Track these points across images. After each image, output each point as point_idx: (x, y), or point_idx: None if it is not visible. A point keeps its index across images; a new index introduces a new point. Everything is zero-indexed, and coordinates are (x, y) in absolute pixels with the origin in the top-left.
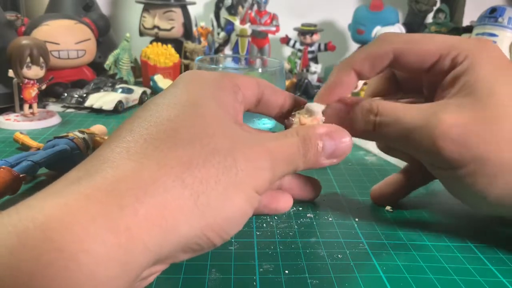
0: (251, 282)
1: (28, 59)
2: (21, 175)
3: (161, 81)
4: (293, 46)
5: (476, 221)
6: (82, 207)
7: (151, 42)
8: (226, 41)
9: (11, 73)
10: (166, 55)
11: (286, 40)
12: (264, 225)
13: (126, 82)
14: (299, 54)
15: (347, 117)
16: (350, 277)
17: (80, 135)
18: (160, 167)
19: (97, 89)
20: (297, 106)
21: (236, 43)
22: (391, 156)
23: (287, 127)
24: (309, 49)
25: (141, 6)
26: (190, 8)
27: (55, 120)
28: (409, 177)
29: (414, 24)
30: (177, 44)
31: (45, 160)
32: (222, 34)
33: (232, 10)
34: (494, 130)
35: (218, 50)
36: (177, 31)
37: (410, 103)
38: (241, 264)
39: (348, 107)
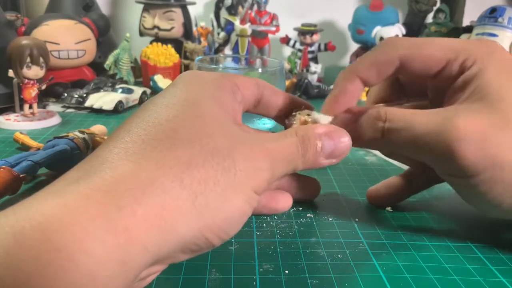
0: (251, 282)
1: (28, 59)
2: (21, 175)
3: (161, 81)
4: (293, 46)
5: (476, 221)
6: (81, 207)
7: (151, 42)
8: (226, 41)
9: (11, 73)
10: (166, 55)
11: (286, 40)
12: (264, 225)
13: (126, 82)
14: (299, 54)
15: (354, 126)
16: (350, 277)
17: (80, 135)
18: (158, 168)
19: (97, 89)
20: (296, 107)
21: (236, 43)
22: (393, 160)
23: (286, 127)
24: (309, 49)
25: (141, 6)
26: (190, 8)
27: (55, 120)
28: (411, 181)
29: (414, 24)
30: (177, 44)
31: (45, 160)
32: (222, 34)
33: (232, 10)
34: (509, 135)
35: (218, 50)
36: (177, 31)
37: (416, 107)
38: (241, 264)
39: (354, 116)
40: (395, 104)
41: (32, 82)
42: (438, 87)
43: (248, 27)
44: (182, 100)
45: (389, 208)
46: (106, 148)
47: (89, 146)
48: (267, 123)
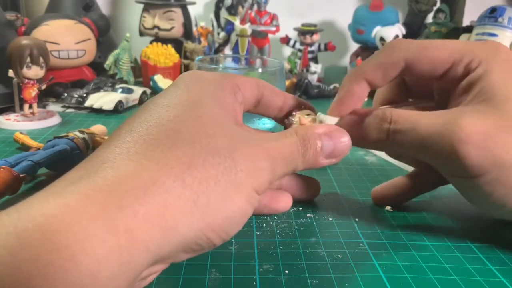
0: (251, 282)
1: (28, 59)
2: (21, 175)
3: (161, 81)
4: (293, 46)
5: (476, 221)
6: (82, 207)
7: (151, 42)
8: (226, 41)
9: (11, 73)
10: (166, 55)
11: (286, 40)
12: (264, 225)
13: (126, 82)
14: (299, 54)
15: (360, 127)
16: (350, 277)
17: (80, 135)
18: (159, 168)
19: (97, 89)
20: (296, 107)
21: (236, 43)
22: (401, 161)
23: (286, 127)
24: (309, 49)
25: (141, 6)
26: (190, 8)
27: (55, 120)
28: (417, 181)
29: (414, 24)
30: (177, 44)
31: (45, 160)
32: (222, 34)
33: (232, 10)
34: None
35: (218, 50)
36: (177, 31)
37: (421, 109)
38: (241, 264)
39: (360, 118)
40: (401, 106)
41: (32, 82)
42: (444, 89)
43: (248, 27)
44: (183, 101)
45: (389, 208)
46: (108, 148)
47: (89, 146)
48: (267, 123)
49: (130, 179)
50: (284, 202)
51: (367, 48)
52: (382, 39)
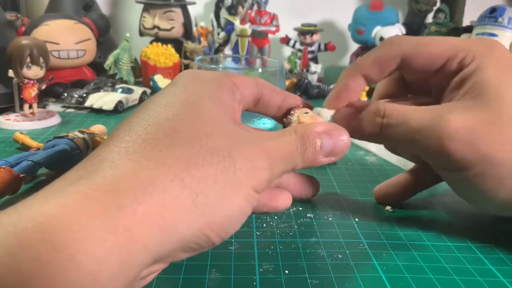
0: (251, 282)
1: (28, 59)
2: (21, 175)
3: (161, 81)
4: (293, 46)
5: (476, 221)
6: (81, 207)
7: (151, 42)
8: (226, 41)
9: (11, 73)
10: (166, 55)
11: (286, 40)
12: (264, 225)
13: (126, 82)
14: (299, 54)
15: (355, 120)
16: (350, 277)
17: (80, 135)
18: (158, 167)
19: (97, 89)
20: (295, 106)
21: (236, 43)
22: (399, 156)
23: (285, 126)
24: (309, 49)
25: (141, 6)
26: (190, 8)
27: (55, 120)
28: (417, 178)
29: (414, 24)
30: (177, 44)
31: (45, 160)
32: (222, 34)
33: (232, 10)
34: (501, 132)
35: (218, 50)
36: (177, 31)
37: (418, 104)
38: (241, 264)
39: (356, 110)
40: (400, 100)
41: (32, 82)
42: (439, 84)
43: (248, 27)
44: (181, 100)
45: (389, 208)
46: (107, 148)
47: (89, 146)
48: (267, 122)
49: (128, 178)
50: (283, 201)
51: (367, 48)
52: (382, 39)
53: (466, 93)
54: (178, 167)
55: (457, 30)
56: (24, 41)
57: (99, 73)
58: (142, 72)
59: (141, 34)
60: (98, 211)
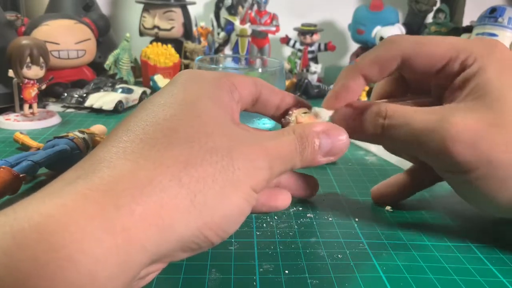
0: (251, 282)
1: (28, 59)
2: (21, 175)
3: (161, 81)
4: (293, 46)
5: (476, 221)
6: (79, 207)
7: (151, 42)
8: (226, 41)
9: (11, 73)
10: (166, 55)
11: (286, 40)
12: (264, 225)
13: (126, 82)
14: (299, 54)
15: (355, 121)
16: (350, 277)
17: (80, 135)
18: (156, 167)
19: (97, 89)
20: (293, 105)
21: (236, 43)
22: (398, 157)
23: (283, 126)
24: (309, 49)
25: (141, 6)
26: (190, 8)
27: (55, 120)
28: (415, 178)
29: (414, 24)
30: (177, 44)
31: (45, 160)
32: (222, 34)
33: (232, 10)
34: (504, 134)
35: (218, 50)
36: (177, 31)
37: (419, 104)
38: (241, 264)
39: (356, 111)
40: (399, 100)
41: (32, 82)
42: (440, 85)
43: (248, 27)
44: (179, 100)
45: (388, 208)
46: (105, 148)
47: (89, 146)
48: (267, 123)
49: (126, 178)
50: (282, 200)
51: (367, 48)
52: (382, 39)
53: (468, 95)
54: (176, 167)
55: (457, 30)
56: (24, 41)
57: (99, 73)
58: (142, 72)
59: (141, 34)
60: (96, 211)
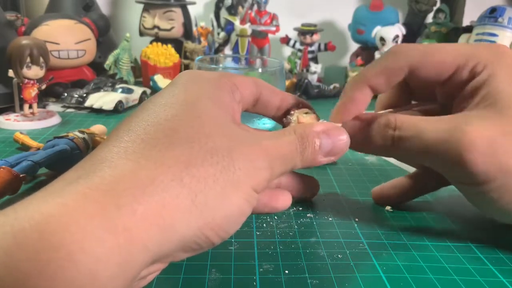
0: (251, 282)
1: (28, 59)
2: (21, 175)
3: (161, 81)
4: (293, 46)
5: (476, 221)
6: (80, 206)
7: (151, 42)
8: (226, 41)
9: (11, 73)
10: (166, 55)
11: (286, 40)
12: (264, 225)
13: (126, 82)
14: (299, 54)
15: (363, 134)
16: (350, 277)
17: (80, 135)
18: (157, 167)
19: (97, 89)
20: (294, 106)
21: (236, 43)
22: (406, 164)
23: (285, 125)
24: (309, 49)
25: (141, 6)
26: (190, 8)
27: (55, 120)
28: (418, 182)
29: (414, 24)
30: (177, 44)
31: (45, 160)
32: (222, 34)
33: (232, 10)
34: None
35: (218, 50)
36: (177, 31)
37: (425, 112)
38: (241, 264)
39: (363, 123)
40: (404, 109)
41: (32, 82)
42: (448, 93)
43: (248, 27)
44: (181, 100)
45: (388, 208)
46: (106, 148)
47: (89, 146)
48: (267, 123)
49: (128, 178)
50: (283, 201)
51: (367, 48)
52: (382, 39)
53: (479, 102)
54: (177, 167)
55: (457, 30)
56: (24, 41)
57: (99, 73)
58: (142, 72)
59: (141, 34)
60: (97, 210)
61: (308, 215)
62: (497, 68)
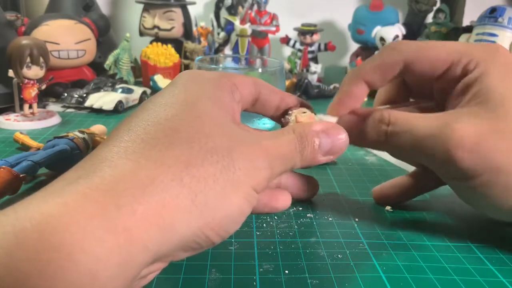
0: (251, 282)
1: (28, 59)
2: (21, 175)
3: (161, 81)
4: (293, 46)
5: (476, 221)
6: (80, 206)
7: (151, 42)
8: (226, 41)
9: (11, 73)
10: (166, 55)
11: (286, 40)
12: (264, 225)
13: (126, 82)
14: (299, 54)
15: (358, 128)
16: (350, 277)
17: (80, 135)
18: (157, 166)
19: (97, 89)
20: (293, 105)
21: (236, 43)
22: (401, 161)
23: (283, 125)
24: (309, 49)
25: (141, 6)
26: (190, 8)
27: (55, 120)
28: (418, 181)
29: (414, 24)
30: (177, 44)
31: (45, 160)
32: (222, 34)
33: (232, 10)
34: (508, 140)
35: (218, 50)
36: (177, 31)
37: (421, 109)
38: (241, 264)
39: (359, 118)
40: (401, 106)
41: (32, 82)
42: (442, 89)
43: (248, 27)
44: (181, 100)
45: (388, 208)
46: (106, 147)
47: (89, 146)
48: (267, 123)
49: (128, 178)
50: (283, 201)
51: (367, 48)
52: (382, 39)
53: (471, 100)
54: (177, 166)
55: (457, 30)
56: (24, 41)
57: (99, 73)
58: (142, 72)
59: (141, 34)
60: (97, 210)
61: (308, 215)
62: (490, 66)
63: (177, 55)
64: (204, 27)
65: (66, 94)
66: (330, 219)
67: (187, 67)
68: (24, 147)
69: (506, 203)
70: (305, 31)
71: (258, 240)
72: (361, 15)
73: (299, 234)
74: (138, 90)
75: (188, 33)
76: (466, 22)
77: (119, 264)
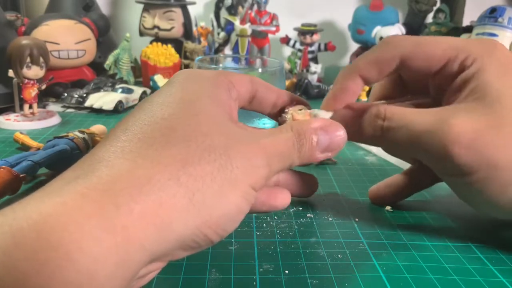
0: (251, 282)
1: (28, 59)
2: (21, 175)
3: (161, 81)
4: (293, 46)
5: (476, 221)
6: (77, 206)
7: (151, 42)
8: (226, 41)
9: (11, 73)
10: (166, 55)
11: (286, 40)
12: (264, 225)
13: (126, 82)
14: (299, 54)
15: (354, 123)
16: (350, 277)
17: (80, 135)
18: (154, 166)
19: (97, 89)
20: (290, 103)
21: (236, 43)
22: (397, 157)
23: (280, 123)
24: (309, 49)
25: (141, 6)
26: (190, 8)
27: (55, 120)
28: (413, 179)
29: (414, 24)
30: (177, 44)
31: (45, 160)
32: (222, 34)
33: (232, 10)
34: (504, 135)
35: (218, 50)
36: (177, 31)
37: (418, 105)
38: (241, 264)
39: (355, 113)
40: (397, 101)
41: (32, 82)
42: (439, 85)
43: (248, 27)
44: (177, 99)
45: (388, 208)
46: (103, 147)
47: (89, 146)
48: (267, 122)
49: (125, 177)
50: (282, 199)
51: (367, 48)
52: (382, 39)
53: (468, 96)
54: (174, 165)
55: (457, 30)
56: (24, 41)
57: (99, 73)
58: (142, 72)
59: (141, 34)
60: (95, 210)
61: (308, 215)
62: (487, 62)
63: (177, 55)
64: (204, 27)
65: (66, 94)
66: (330, 219)
67: (187, 67)
68: (24, 147)
69: (502, 200)
70: (305, 31)
71: (258, 240)
72: (361, 15)
73: (299, 234)
74: (138, 90)
75: (188, 33)
76: (466, 22)
77: (117, 264)
